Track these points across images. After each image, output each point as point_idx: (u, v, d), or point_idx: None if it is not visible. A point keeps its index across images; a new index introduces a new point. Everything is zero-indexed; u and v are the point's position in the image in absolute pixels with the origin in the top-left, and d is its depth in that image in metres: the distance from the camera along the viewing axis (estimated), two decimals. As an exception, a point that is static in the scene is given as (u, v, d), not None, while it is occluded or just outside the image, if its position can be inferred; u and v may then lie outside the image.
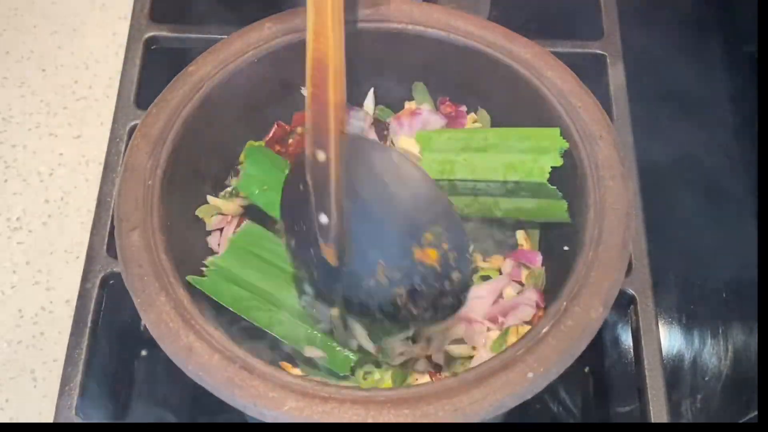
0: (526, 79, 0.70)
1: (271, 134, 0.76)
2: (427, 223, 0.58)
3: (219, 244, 0.72)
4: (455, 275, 0.58)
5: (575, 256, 0.62)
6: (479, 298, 0.68)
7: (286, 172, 0.66)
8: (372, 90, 0.78)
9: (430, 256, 0.58)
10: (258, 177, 0.71)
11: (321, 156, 0.58)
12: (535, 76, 0.70)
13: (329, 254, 0.60)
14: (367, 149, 0.61)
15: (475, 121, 0.77)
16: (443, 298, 0.59)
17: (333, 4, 0.59)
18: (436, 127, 0.76)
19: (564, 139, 0.67)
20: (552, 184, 0.67)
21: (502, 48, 0.71)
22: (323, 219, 0.59)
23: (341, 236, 0.59)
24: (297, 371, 0.66)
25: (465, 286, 0.59)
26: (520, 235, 0.74)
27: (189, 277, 0.64)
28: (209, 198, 0.72)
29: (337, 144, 0.58)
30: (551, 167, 0.67)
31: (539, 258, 0.71)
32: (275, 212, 0.68)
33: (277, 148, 0.76)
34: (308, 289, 0.67)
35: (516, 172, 0.69)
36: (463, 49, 0.72)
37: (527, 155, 0.68)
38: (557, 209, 0.69)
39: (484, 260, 0.73)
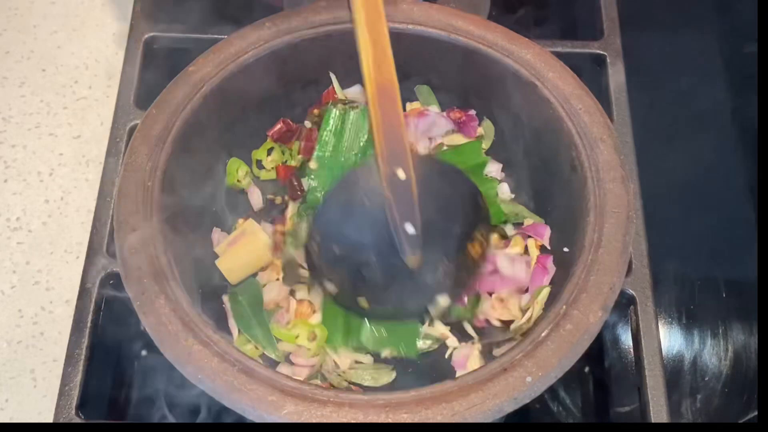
0: (527, 81, 0.70)
1: (275, 129, 0.76)
2: (479, 224, 0.67)
3: (218, 242, 0.72)
4: (482, 262, 0.68)
5: (575, 259, 0.62)
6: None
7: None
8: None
9: (477, 250, 0.67)
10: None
11: (401, 173, 0.63)
12: (536, 77, 0.69)
13: (413, 261, 0.64)
14: (429, 164, 0.68)
15: (480, 135, 0.77)
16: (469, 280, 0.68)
17: (386, 34, 0.62)
18: (444, 130, 0.76)
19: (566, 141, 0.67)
20: (553, 187, 0.67)
21: (503, 48, 0.71)
22: (410, 230, 0.63)
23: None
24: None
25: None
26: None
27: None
28: None
29: (413, 161, 0.63)
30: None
31: (547, 231, 0.72)
32: None
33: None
34: (331, 287, 0.68)
35: None
36: (463, 49, 0.72)
37: None
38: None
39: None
